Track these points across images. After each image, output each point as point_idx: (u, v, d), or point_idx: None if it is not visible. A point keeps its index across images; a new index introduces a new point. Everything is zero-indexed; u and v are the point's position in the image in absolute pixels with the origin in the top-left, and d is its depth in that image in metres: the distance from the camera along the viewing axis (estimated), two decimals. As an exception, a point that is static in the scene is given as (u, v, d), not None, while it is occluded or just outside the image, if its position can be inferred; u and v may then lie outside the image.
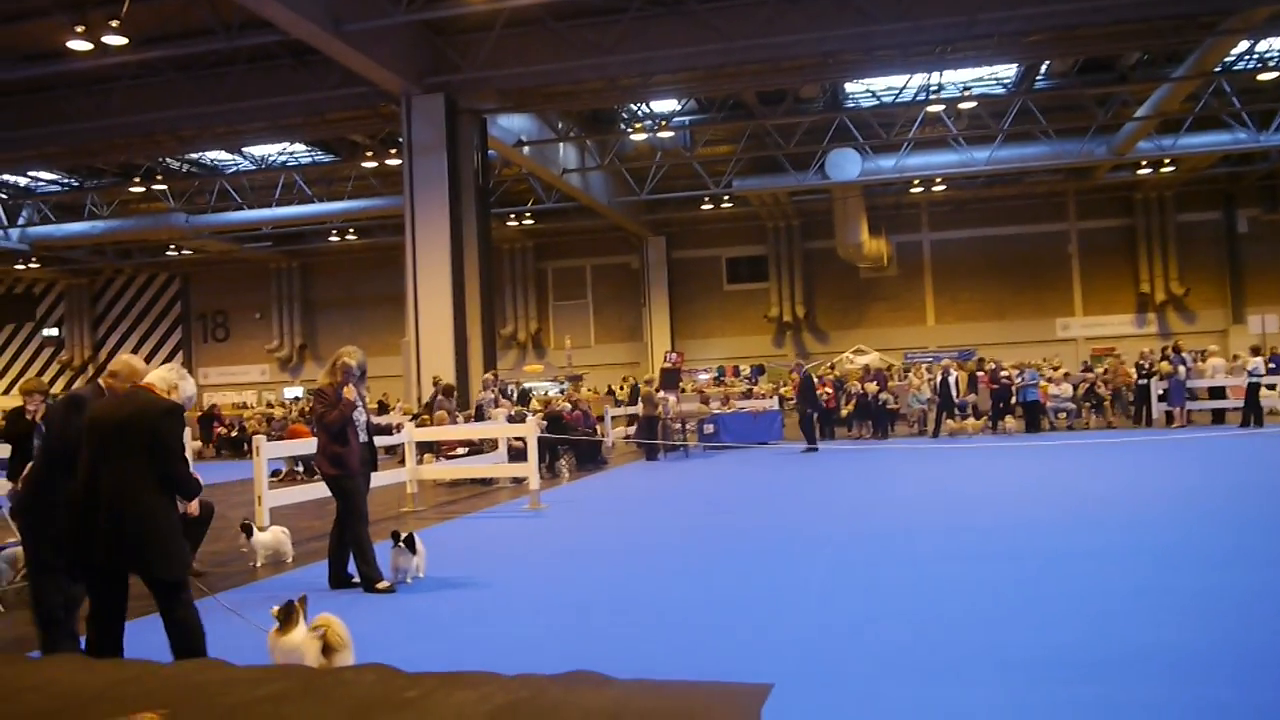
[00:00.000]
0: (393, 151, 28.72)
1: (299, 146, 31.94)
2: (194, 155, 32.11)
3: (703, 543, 9.52)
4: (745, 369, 39.74)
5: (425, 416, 18.05)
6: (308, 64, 22.36)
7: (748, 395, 27.65)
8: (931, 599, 6.53)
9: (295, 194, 34.69)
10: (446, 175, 21.92)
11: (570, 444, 18.14)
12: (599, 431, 19.81)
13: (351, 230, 41.01)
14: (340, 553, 7.89)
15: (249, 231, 39.31)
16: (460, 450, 16.00)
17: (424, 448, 14.99)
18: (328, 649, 4.71)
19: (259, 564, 8.93)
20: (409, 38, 21.09)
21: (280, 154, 32.90)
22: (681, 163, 32.47)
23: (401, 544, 7.73)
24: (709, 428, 21.57)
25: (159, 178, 33.64)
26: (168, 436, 4.91)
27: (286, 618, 5.00)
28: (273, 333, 46.17)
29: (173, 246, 42.04)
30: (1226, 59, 25.42)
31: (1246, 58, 26.83)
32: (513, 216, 38.38)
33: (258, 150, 32.26)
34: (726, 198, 36.47)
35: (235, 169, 33.88)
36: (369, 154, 30.47)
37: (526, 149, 26.95)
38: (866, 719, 4.37)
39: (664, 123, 29.64)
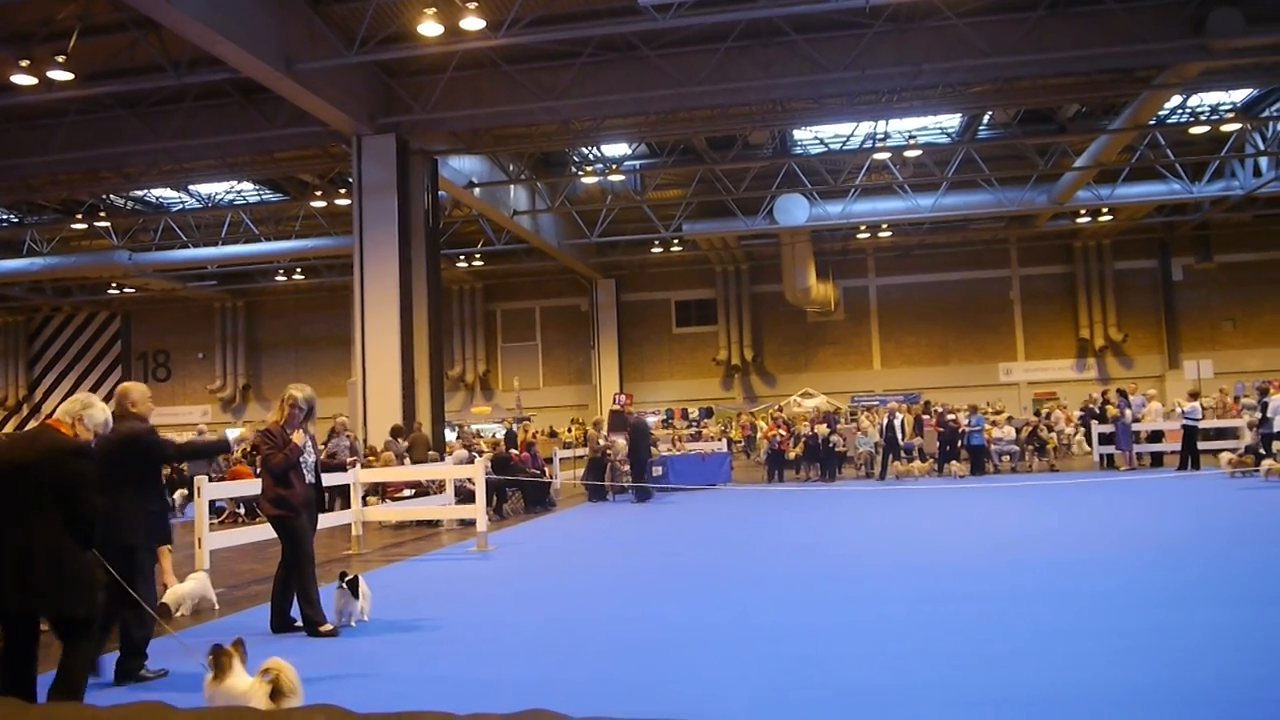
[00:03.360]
0: (342, 191, 28.60)
1: (247, 185, 31.68)
2: (139, 192, 31.70)
3: (652, 583, 9.49)
4: (693, 411, 39.88)
5: (371, 458, 17.86)
6: (257, 102, 22.26)
7: (696, 438, 27.69)
8: (881, 638, 6.56)
9: (242, 233, 34.36)
10: (396, 216, 21.84)
11: (518, 485, 18.04)
12: (547, 473, 19.72)
13: (299, 270, 40.63)
14: (284, 596, 7.74)
15: (194, 270, 38.76)
16: (406, 492, 15.83)
17: (369, 490, 14.81)
18: (276, 693, 4.56)
19: (183, 613, 8.53)
20: (361, 78, 21.09)
21: (228, 192, 32.58)
22: (632, 206, 32.72)
23: (344, 586, 7.61)
24: (657, 469, 21.55)
25: (102, 214, 33.15)
26: (73, 479, 4.82)
27: (219, 663, 4.83)
28: (215, 373, 45.48)
29: (114, 284, 41.32)
30: (1161, 112, 26.21)
31: (1179, 112, 27.69)
32: (462, 258, 38.33)
33: (204, 188, 31.92)
34: (676, 241, 36.78)
35: (181, 207, 33.50)
36: (318, 193, 30.30)
37: (477, 190, 26.99)
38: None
39: (615, 166, 29.86)
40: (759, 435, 31.10)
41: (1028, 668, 5.68)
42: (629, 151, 30.01)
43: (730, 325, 41.53)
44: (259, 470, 8.14)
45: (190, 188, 31.58)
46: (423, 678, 6.11)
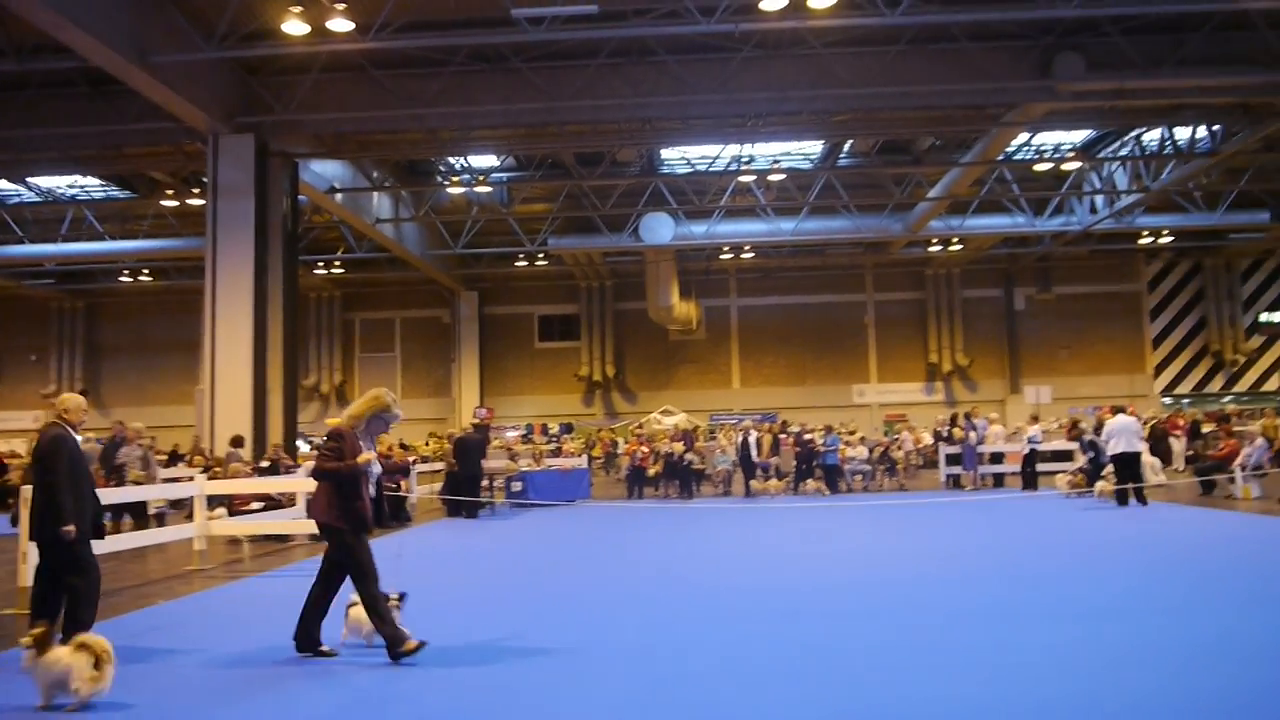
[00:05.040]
0: (196, 191, 27.52)
1: (92, 180, 30.15)
2: (-31, 182, 29.85)
3: (507, 600, 9.34)
4: (554, 427, 39.74)
5: (217, 469, 17.13)
6: (107, 94, 21.19)
7: (556, 453, 27.56)
8: (737, 656, 6.59)
9: (85, 230, 32.60)
10: (253, 219, 21.12)
11: (373, 499, 17.56)
12: (404, 487, 19.29)
13: (146, 271, 38.90)
14: (316, 614, 6.96)
15: (29, 267, 36.58)
16: (255, 505, 15.23)
17: (215, 502, 14.18)
18: (100, 663, 5.30)
19: None
20: (220, 75, 20.34)
21: (70, 186, 30.93)
22: (497, 218, 32.44)
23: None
24: (517, 485, 21.35)
25: (-72, 205, 31.11)
26: None
27: (41, 641, 5.44)
28: (50, 376, 42.92)
29: (-61, 280, 38.79)
30: (1008, 149, 27.48)
31: (1025, 149, 29.07)
32: (321, 264, 37.33)
33: (45, 181, 30.23)
34: (541, 256, 36.65)
35: (17, 199, 31.65)
36: (169, 192, 29.07)
37: (339, 196, 26.33)
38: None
39: (482, 178, 29.59)
40: (619, 452, 31.19)
41: (879, 684, 5.78)
42: (497, 163, 29.78)
43: (593, 341, 41.59)
44: (316, 474, 7.03)
45: (29, 180, 29.85)
46: (262, 706, 5.84)
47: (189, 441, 25.41)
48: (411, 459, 21.36)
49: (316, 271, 37.98)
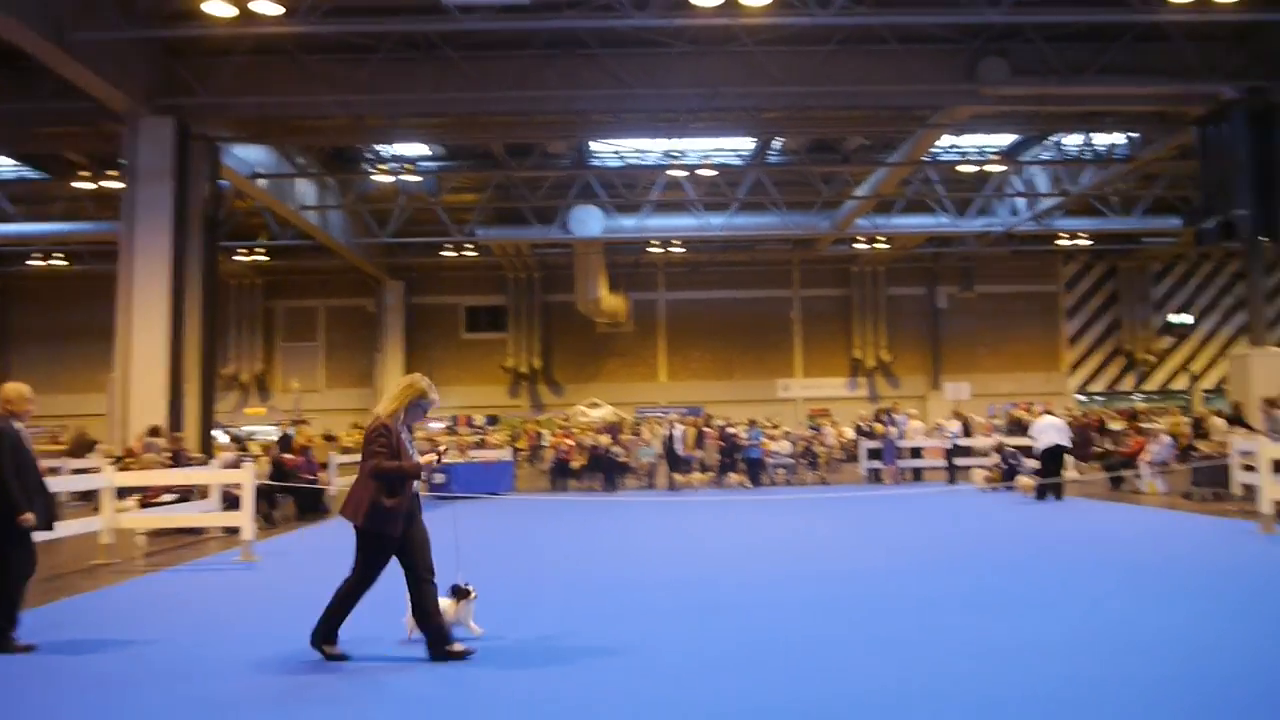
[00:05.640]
0: (112, 173, 26.72)
1: (3, 160, 29.12)
2: None
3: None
4: (480, 419, 39.46)
5: (130, 460, 16.69)
6: (18, 70, 20.39)
7: (480, 445, 27.37)
8: (653, 651, 6.60)
9: (-7, 210, 31.53)
10: (172, 203, 20.55)
11: (291, 491, 17.29)
12: (322, 479, 19.01)
13: (59, 254, 37.72)
14: (342, 611, 6.60)
15: (-68, 248, 35.34)
16: (166, 497, 14.85)
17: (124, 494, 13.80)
18: None
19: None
20: (140, 55, 19.74)
21: (-21, 165, 29.89)
22: (425, 208, 32.08)
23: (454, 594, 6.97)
24: (439, 477, 21.11)
25: None
26: None
27: None
28: (-44, 361, 41.52)
29: None
30: (934, 150, 27.92)
31: (950, 150, 29.56)
32: (243, 251, 36.53)
33: (-51, 159, 29.18)
34: (469, 246, 36.32)
35: (-80, 177, 30.51)
36: (84, 174, 28.20)
37: (263, 182, 25.80)
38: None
39: (410, 166, 29.21)
40: (544, 444, 31.08)
41: (790, 679, 5.83)
42: (426, 152, 29.43)
43: (520, 333, 41.40)
44: (376, 474, 6.46)
45: (-68, 158, 28.78)
46: (159, 703, 5.69)
47: (102, 431, 24.74)
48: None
49: (238, 258, 37.16)
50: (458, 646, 6.49)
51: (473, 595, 6.97)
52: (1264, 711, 5.11)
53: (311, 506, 17.85)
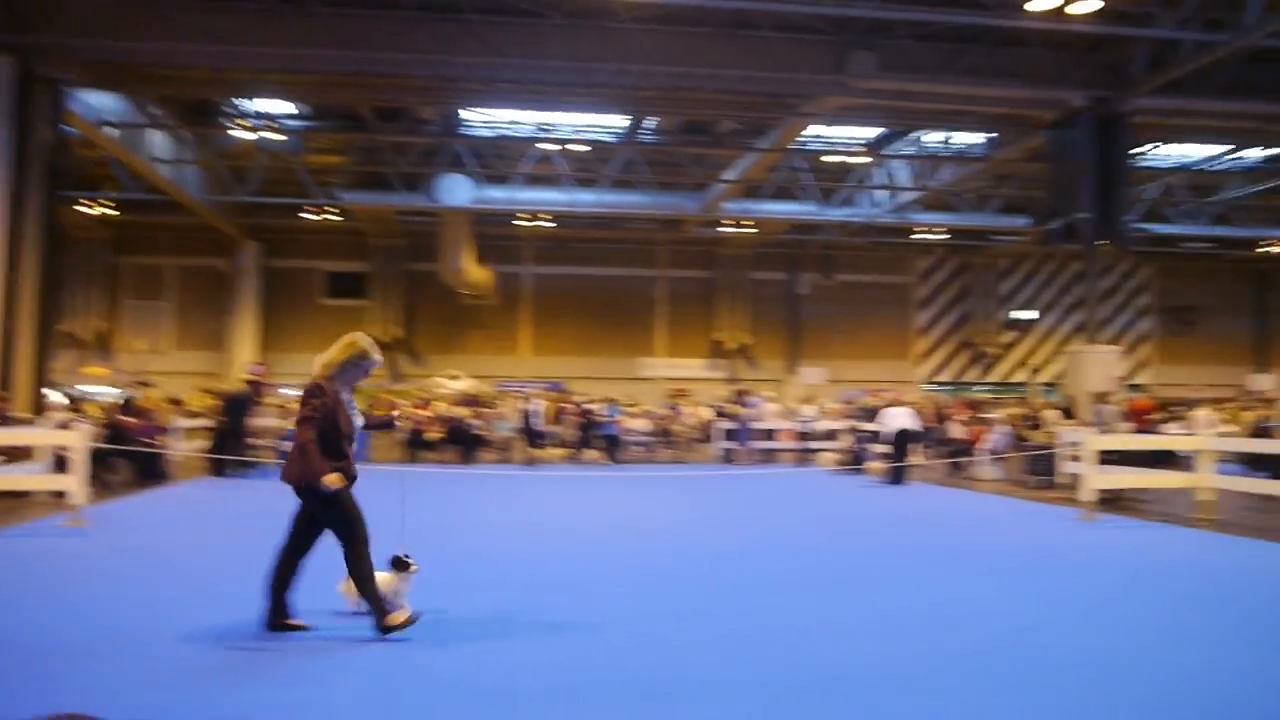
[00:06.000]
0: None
1: None
2: None
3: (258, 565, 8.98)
4: (337, 387, 38.49)
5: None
6: None
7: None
8: (500, 626, 6.58)
9: None
10: (10, 149, 19.29)
11: (129, 455, 16.59)
12: (164, 443, 18.31)
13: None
14: (284, 584, 6.34)
15: None
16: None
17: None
18: None
19: None
20: (-24, -15, 18.49)
21: None
22: (287, 168, 30.99)
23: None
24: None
25: None
26: None
27: None
28: None
29: None
30: (802, 139, 28.45)
31: (817, 140, 30.17)
32: (88, 203, 34.64)
33: None
34: (332, 210, 35.27)
35: None
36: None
37: (113, 131, 24.50)
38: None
39: (272, 124, 28.19)
40: (401, 414, 30.54)
41: (624, 655, 5.89)
42: (290, 110, 28.43)
43: (382, 301, 40.53)
44: (297, 433, 6.22)
45: None
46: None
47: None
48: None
49: (83, 210, 35.25)
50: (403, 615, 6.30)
51: (413, 569, 6.67)
52: (1070, 685, 5.38)
53: (151, 472, 17.18)
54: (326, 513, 6.25)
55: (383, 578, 6.47)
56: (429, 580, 6.87)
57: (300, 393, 6.40)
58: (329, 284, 41.12)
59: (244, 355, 37.70)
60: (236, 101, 27.81)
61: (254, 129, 28.14)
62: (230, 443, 18.89)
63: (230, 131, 29.09)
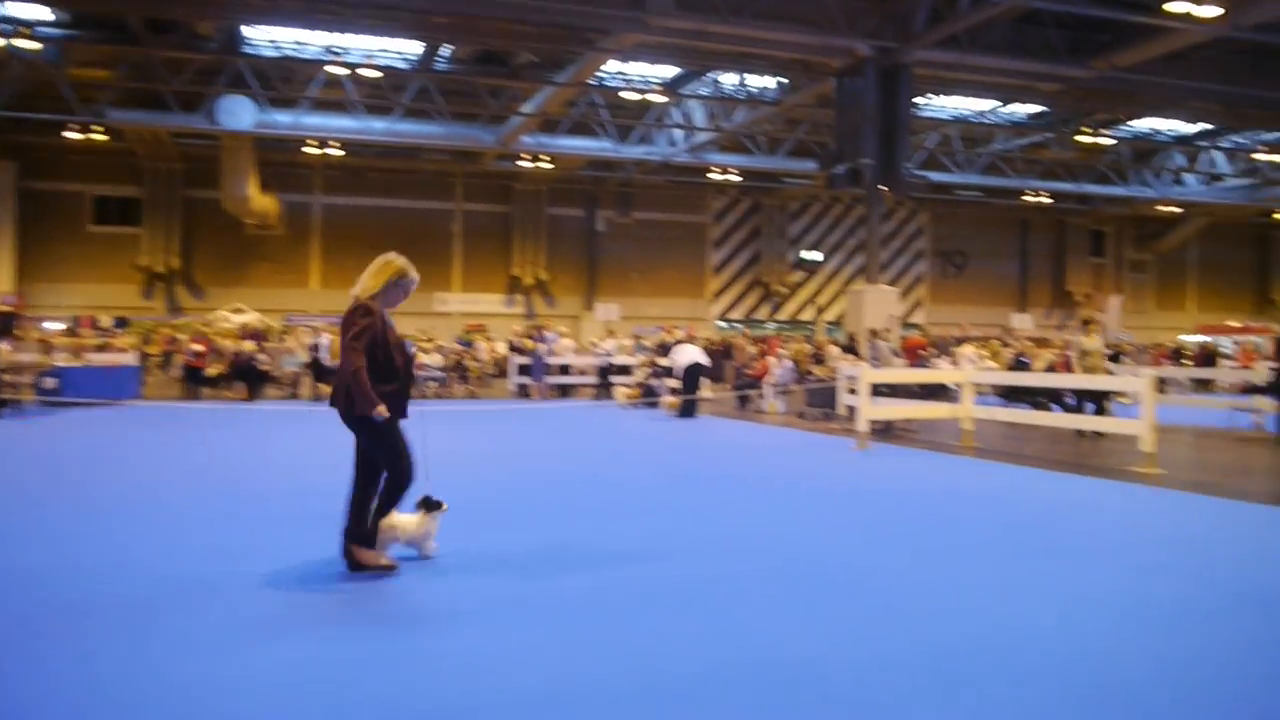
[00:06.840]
0: None
1: None
2: None
3: (31, 511, 8.42)
4: (107, 320, 36.14)
5: None
6: None
7: (103, 349, 25.14)
8: (284, 558, 6.41)
9: None
10: None
11: None
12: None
13: None
14: (363, 523, 6.10)
15: None
16: None
17: None
18: None
19: None
20: None
21: None
22: (47, 80, 28.45)
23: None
24: (50, 382, 19.19)
25: None
26: None
27: None
28: None
29: None
30: (600, 75, 28.34)
31: (616, 76, 30.14)
32: None
33: None
34: (99, 129, 32.70)
35: None
36: None
37: None
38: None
39: (26, 30, 25.74)
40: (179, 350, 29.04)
41: (408, 592, 5.86)
42: (48, 16, 26.02)
43: (157, 229, 38.09)
44: (345, 358, 5.91)
45: None
46: None
47: None
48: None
49: None
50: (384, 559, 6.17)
51: (443, 508, 6.49)
52: (834, 587, 5.69)
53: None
54: (372, 443, 6.12)
55: (411, 518, 6.34)
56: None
57: (342, 319, 6.12)
58: (97, 210, 38.31)
59: (-1, 285, 34.80)
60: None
61: (5, 35, 25.65)
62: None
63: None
